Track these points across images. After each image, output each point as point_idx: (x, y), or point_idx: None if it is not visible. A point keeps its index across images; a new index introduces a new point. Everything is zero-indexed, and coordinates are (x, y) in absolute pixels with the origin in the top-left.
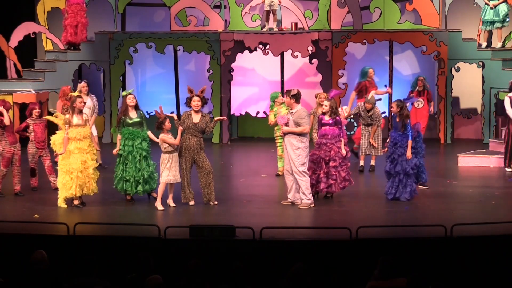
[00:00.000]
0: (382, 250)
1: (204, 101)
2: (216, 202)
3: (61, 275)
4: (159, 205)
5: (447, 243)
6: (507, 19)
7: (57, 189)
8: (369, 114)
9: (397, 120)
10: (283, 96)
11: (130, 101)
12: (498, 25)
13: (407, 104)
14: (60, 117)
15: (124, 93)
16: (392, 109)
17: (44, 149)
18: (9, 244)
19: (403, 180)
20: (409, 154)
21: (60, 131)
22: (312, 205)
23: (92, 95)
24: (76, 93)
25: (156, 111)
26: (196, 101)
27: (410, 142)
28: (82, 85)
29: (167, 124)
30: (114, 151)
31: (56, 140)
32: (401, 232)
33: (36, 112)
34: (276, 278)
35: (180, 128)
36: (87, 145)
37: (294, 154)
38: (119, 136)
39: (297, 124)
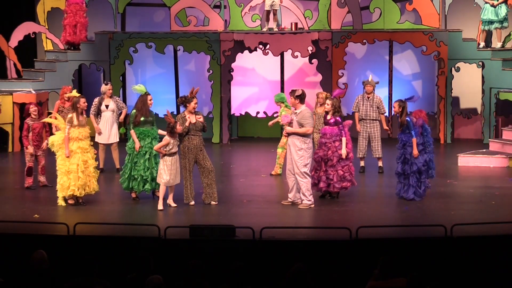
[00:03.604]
0: (382, 250)
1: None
2: (216, 202)
3: (61, 275)
4: (160, 205)
5: (447, 243)
6: (506, 20)
7: (45, 186)
8: (368, 96)
9: (399, 120)
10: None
11: (151, 102)
12: (497, 25)
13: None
14: (59, 118)
15: (139, 89)
16: (394, 109)
17: (41, 149)
18: (9, 244)
19: (419, 178)
20: (415, 152)
21: (59, 132)
22: (312, 205)
23: (116, 97)
24: (74, 94)
25: (166, 117)
26: (195, 103)
27: (414, 140)
28: (108, 87)
29: (179, 127)
30: (137, 148)
31: (55, 141)
32: (401, 232)
33: (33, 111)
34: (276, 278)
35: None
36: (88, 144)
37: (296, 155)
38: (133, 132)
39: (301, 125)
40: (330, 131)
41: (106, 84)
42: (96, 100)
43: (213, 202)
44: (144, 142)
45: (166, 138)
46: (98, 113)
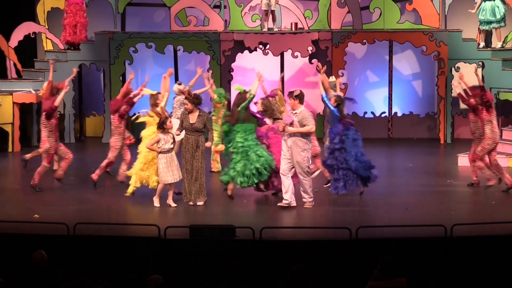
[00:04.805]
0: (382, 250)
1: (195, 102)
2: (201, 203)
3: (61, 275)
4: (156, 202)
5: (447, 243)
6: (504, 20)
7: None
8: None
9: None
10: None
11: None
12: (495, 25)
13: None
14: (154, 116)
15: (237, 88)
16: (330, 101)
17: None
18: (9, 244)
19: (341, 174)
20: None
21: (150, 127)
22: (313, 204)
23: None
24: (150, 91)
25: (156, 110)
26: (187, 104)
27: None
28: (183, 85)
29: (169, 124)
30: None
31: (148, 135)
32: (401, 232)
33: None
34: (276, 278)
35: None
36: None
37: (299, 156)
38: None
39: (302, 125)
40: (261, 132)
41: (180, 84)
42: (178, 103)
43: (199, 202)
44: (252, 137)
45: (158, 135)
46: None
